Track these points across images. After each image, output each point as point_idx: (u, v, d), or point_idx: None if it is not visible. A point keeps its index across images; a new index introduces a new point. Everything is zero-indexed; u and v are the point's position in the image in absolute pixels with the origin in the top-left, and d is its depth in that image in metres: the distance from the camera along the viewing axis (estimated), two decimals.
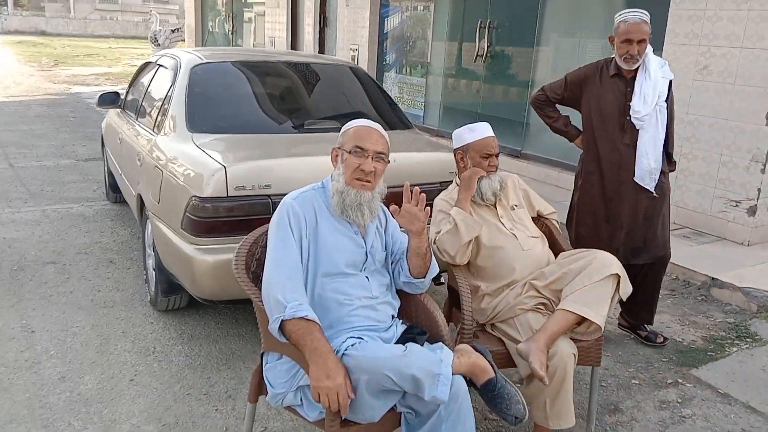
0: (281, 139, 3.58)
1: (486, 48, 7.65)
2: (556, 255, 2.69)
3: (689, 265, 4.43)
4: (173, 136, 3.49)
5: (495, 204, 2.71)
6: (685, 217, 5.17)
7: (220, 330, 3.49)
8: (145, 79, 4.68)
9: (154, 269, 3.54)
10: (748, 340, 3.62)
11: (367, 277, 2.16)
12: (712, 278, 4.25)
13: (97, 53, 24.65)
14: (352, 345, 1.87)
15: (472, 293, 2.54)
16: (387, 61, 9.93)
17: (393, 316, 2.20)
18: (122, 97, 5.08)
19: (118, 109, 5.04)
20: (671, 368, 3.29)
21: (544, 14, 6.93)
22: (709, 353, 3.46)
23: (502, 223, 2.66)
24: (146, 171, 3.65)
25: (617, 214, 3.27)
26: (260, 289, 2.04)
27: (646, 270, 3.36)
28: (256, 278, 2.17)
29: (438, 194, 2.79)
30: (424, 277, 2.23)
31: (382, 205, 2.24)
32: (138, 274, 4.14)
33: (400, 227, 2.19)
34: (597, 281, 2.34)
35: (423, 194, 2.09)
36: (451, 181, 2.89)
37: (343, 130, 2.22)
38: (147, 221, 3.62)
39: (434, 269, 2.25)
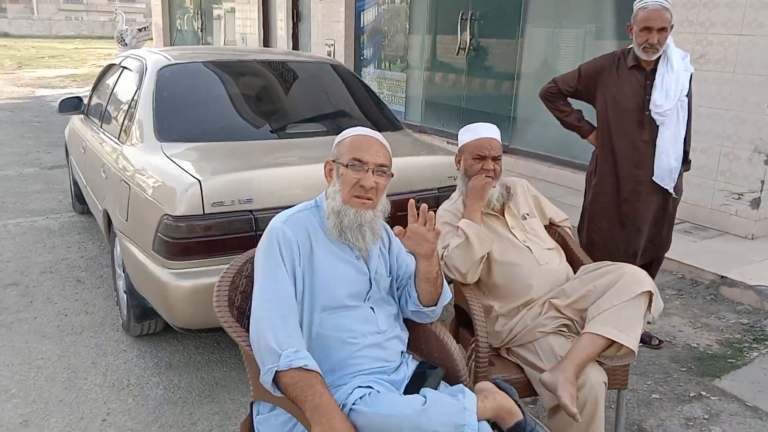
0: (261, 146, 3.26)
1: (468, 40, 7.39)
2: (573, 268, 2.43)
3: (695, 263, 4.23)
4: (140, 146, 3.16)
5: (503, 213, 2.44)
6: (685, 211, 4.95)
7: (201, 356, 3.18)
8: (109, 82, 4.32)
9: (125, 292, 3.21)
10: (766, 343, 3.42)
11: (372, 308, 1.86)
12: (721, 276, 4.05)
13: (63, 54, 23.87)
14: (360, 397, 1.58)
15: (484, 314, 2.27)
16: (365, 56, 9.61)
17: (402, 352, 1.91)
18: (85, 102, 4.71)
19: (82, 115, 4.67)
20: (692, 379, 3.06)
21: (529, 4, 6.67)
22: (729, 360, 3.24)
23: (514, 235, 2.39)
24: (112, 184, 3.30)
25: (633, 216, 3.03)
26: (247, 330, 1.74)
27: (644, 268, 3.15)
28: (242, 315, 1.87)
29: (437, 202, 2.52)
30: (436, 305, 1.95)
31: (385, 223, 1.94)
32: (108, 294, 3.80)
33: (407, 250, 1.91)
34: (627, 300, 2.08)
35: (432, 212, 1.80)
36: (453, 187, 2.61)
37: (337, 140, 1.92)
38: (115, 239, 3.28)
39: (446, 295, 1.96)
